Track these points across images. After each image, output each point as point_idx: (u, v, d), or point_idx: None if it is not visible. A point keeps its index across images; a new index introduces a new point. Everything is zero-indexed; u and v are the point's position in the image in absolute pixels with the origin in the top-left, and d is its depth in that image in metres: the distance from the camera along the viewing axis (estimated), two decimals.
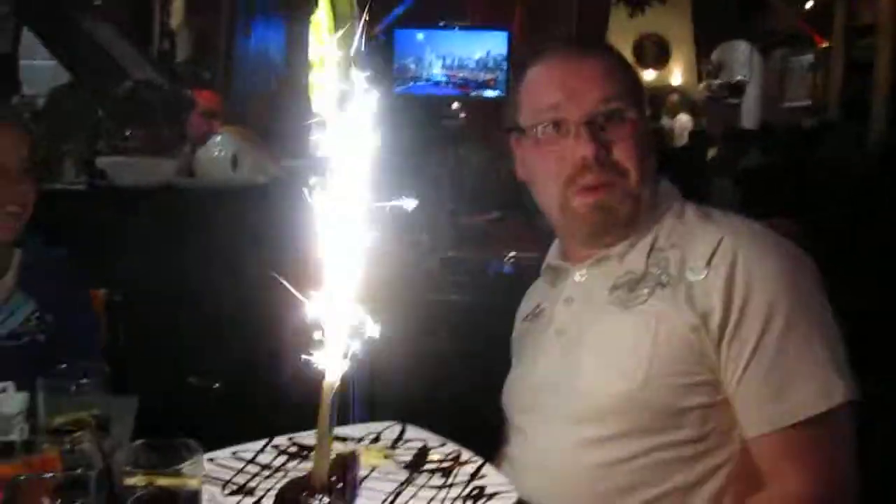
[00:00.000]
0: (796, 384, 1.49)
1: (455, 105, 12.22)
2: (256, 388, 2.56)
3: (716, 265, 1.54)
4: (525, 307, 1.89)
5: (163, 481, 1.25)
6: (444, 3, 12.06)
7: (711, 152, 9.42)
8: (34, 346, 2.05)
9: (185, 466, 1.26)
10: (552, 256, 1.82)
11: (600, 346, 1.60)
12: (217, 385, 2.43)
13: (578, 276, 1.72)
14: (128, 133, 3.10)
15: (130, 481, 1.24)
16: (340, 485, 1.28)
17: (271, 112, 3.46)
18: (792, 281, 1.54)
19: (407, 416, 1.67)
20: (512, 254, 3.66)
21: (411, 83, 12.45)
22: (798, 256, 1.60)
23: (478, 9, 12.16)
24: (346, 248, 1.17)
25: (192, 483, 1.27)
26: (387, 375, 2.46)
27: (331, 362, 1.17)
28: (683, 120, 12.08)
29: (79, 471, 1.28)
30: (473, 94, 12.01)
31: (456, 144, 6.37)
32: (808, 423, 1.48)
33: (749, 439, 1.52)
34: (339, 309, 1.17)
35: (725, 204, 6.43)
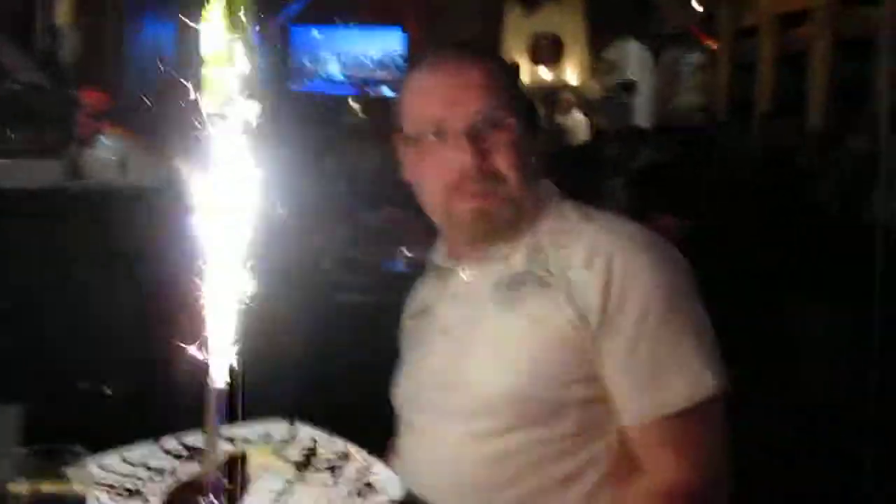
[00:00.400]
0: (669, 376, 1.57)
1: (354, 104, 12.20)
2: (151, 391, 2.54)
3: (594, 266, 1.61)
4: (412, 305, 1.94)
5: (48, 487, 1.25)
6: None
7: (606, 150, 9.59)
8: None
9: (71, 471, 1.26)
10: (437, 255, 1.86)
11: (486, 344, 1.66)
12: (108, 390, 2.41)
13: (462, 275, 1.77)
14: (11, 135, 3.03)
15: (15, 490, 1.24)
16: (230, 485, 1.30)
17: (162, 112, 3.41)
18: (665, 278, 1.62)
19: (299, 415, 1.68)
20: (408, 252, 3.70)
21: (308, 82, 12.38)
22: (670, 253, 1.68)
23: (372, 6, 12.16)
24: (231, 249, 1.18)
25: (79, 488, 1.26)
26: (278, 375, 2.47)
27: (214, 361, 1.18)
28: (577, 118, 12.27)
29: None
30: (371, 92, 12.01)
31: (355, 143, 6.38)
32: (680, 414, 1.56)
33: (626, 429, 1.59)
34: (222, 308, 1.18)
35: (618, 202, 6.59)
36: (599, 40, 13.60)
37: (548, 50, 13.76)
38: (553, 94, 12.41)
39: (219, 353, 1.18)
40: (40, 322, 2.44)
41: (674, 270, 1.65)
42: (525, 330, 1.62)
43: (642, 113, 12.76)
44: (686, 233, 3.89)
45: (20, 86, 3.03)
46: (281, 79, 11.74)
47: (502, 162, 1.67)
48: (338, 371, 3.01)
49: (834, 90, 8.48)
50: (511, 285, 1.67)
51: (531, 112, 1.80)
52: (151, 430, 1.64)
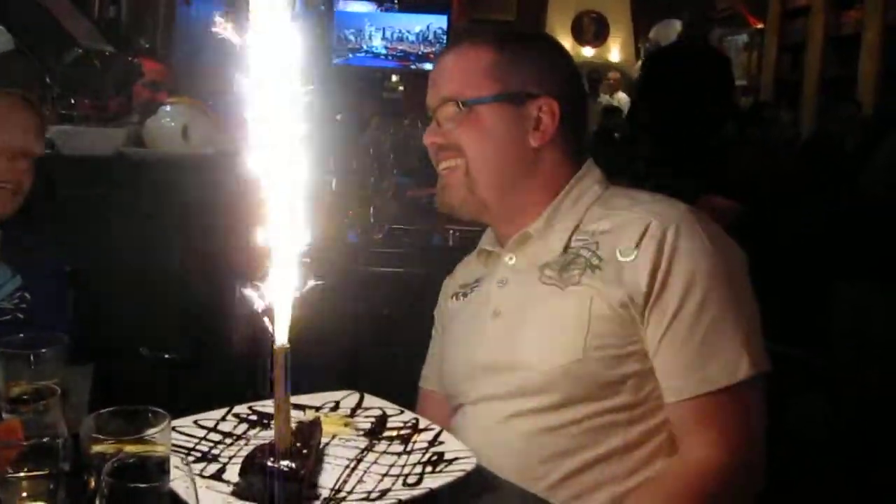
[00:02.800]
0: (709, 356, 1.60)
1: (395, 77, 12.20)
2: (211, 357, 2.58)
3: (644, 247, 1.64)
4: (452, 284, 1.99)
5: (131, 448, 1.27)
6: None
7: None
8: (15, 323, 2.04)
9: (153, 433, 1.28)
10: (485, 240, 1.93)
11: (538, 324, 1.69)
12: (168, 356, 2.44)
13: (508, 259, 1.82)
14: (73, 101, 3.06)
15: (98, 449, 1.26)
16: (304, 451, 1.33)
17: (216, 84, 3.43)
18: (712, 261, 1.64)
19: (348, 385, 1.72)
20: (453, 227, 3.72)
21: (350, 55, 12.37)
22: (719, 234, 1.70)
23: None
24: (287, 221, 1.21)
25: (161, 450, 1.29)
26: (329, 343, 2.49)
27: (279, 323, 1.21)
28: (621, 98, 12.19)
29: (45, 439, 1.30)
30: (413, 66, 11.98)
31: (400, 117, 6.38)
32: (716, 394, 1.59)
33: (666, 406, 1.62)
34: (283, 272, 1.20)
35: (662, 183, 6.55)
36: (644, 19, 13.46)
37: (591, 28, 13.66)
38: (597, 74, 12.33)
39: (281, 315, 1.21)
40: (106, 286, 2.48)
41: (721, 251, 1.67)
42: (576, 310, 1.64)
43: None
44: (735, 214, 3.87)
45: (87, 53, 3.07)
46: (324, 51, 11.75)
47: (462, 141, 1.77)
48: (391, 342, 3.03)
49: (884, 74, 8.35)
50: (559, 267, 1.71)
51: (531, 91, 1.79)
52: (214, 396, 1.67)
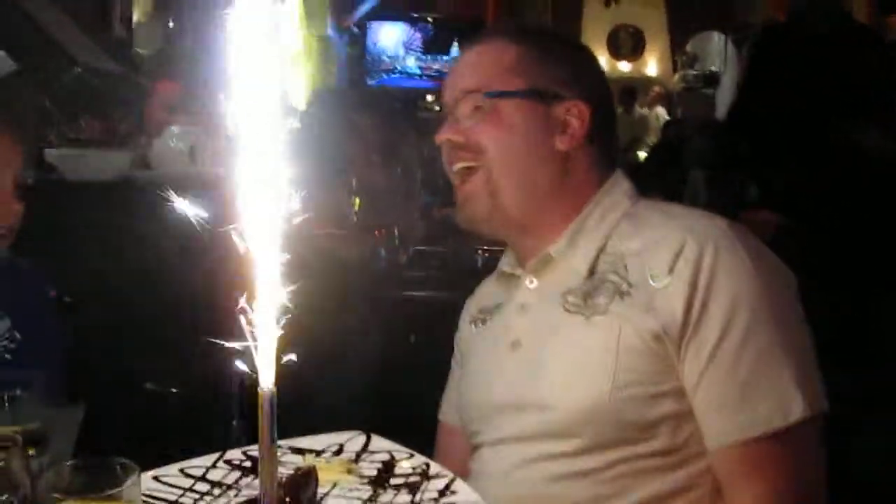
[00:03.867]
0: (753, 396, 1.40)
1: (430, 98, 12.10)
2: (216, 395, 2.43)
3: (679, 270, 1.45)
4: (472, 308, 1.81)
5: None
6: None
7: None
8: (3, 365, 1.92)
9: (122, 490, 1.14)
10: (505, 261, 1.74)
11: (561, 358, 1.51)
12: (175, 390, 2.31)
13: (529, 282, 1.63)
14: (83, 123, 2.96)
15: None
16: None
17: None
18: (757, 284, 1.45)
19: (368, 424, 1.57)
20: (483, 247, 3.55)
21: (385, 75, 12.34)
22: (766, 255, 1.51)
23: (453, 1, 12.08)
24: (292, 248, 1.05)
25: None
26: (345, 378, 2.35)
27: (263, 366, 1.05)
28: (658, 111, 12.03)
29: (3, 497, 1.16)
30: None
31: (430, 137, 6.25)
32: (765, 439, 1.40)
33: (708, 453, 1.43)
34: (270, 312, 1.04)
35: (701, 198, 6.34)
36: (681, 32, 13.28)
37: (628, 42, 13.50)
38: (632, 87, 12.17)
39: (265, 358, 1.05)
40: (107, 313, 2.36)
41: (768, 275, 1.48)
42: (603, 343, 1.46)
43: (725, 106, 12.42)
44: (784, 231, 3.63)
45: (87, 73, 2.96)
46: (358, 72, 11.73)
47: (482, 138, 1.59)
48: (413, 373, 2.87)
49: None
50: (584, 293, 1.53)
51: (560, 90, 1.63)
52: (218, 437, 1.54)
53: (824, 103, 3.68)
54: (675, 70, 13.45)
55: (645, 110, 12.14)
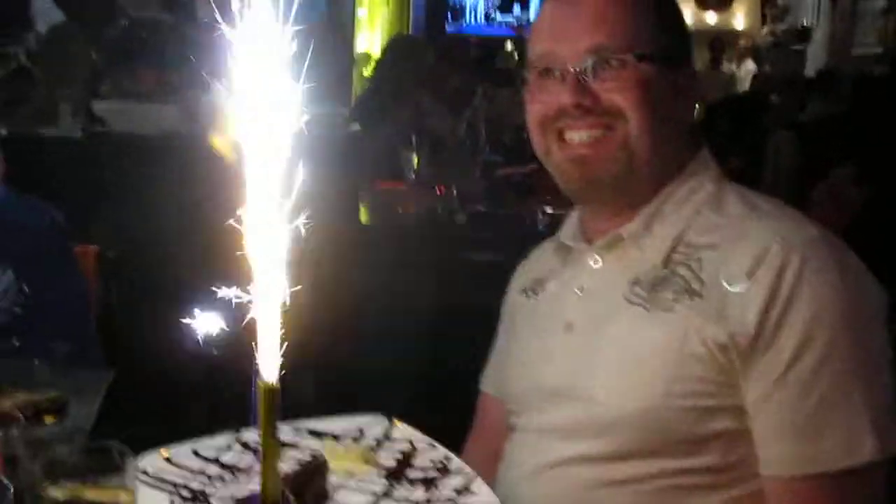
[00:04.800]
0: (820, 429, 1.28)
1: (509, 46, 11.89)
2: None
3: (759, 278, 1.31)
4: (525, 276, 1.67)
5: (90, 494, 1.08)
6: None
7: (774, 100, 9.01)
8: (12, 320, 1.88)
9: (115, 477, 1.09)
10: (566, 232, 1.59)
11: (616, 353, 1.40)
12: (216, 351, 2.26)
13: (593, 262, 1.50)
14: (137, 74, 2.91)
15: (52, 494, 1.08)
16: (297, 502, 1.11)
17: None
18: (842, 303, 1.31)
19: (415, 387, 1.50)
20: (548, 210, 3.43)
21: (463, 23, 12.20)
22: (857, 271, 1.36)
23: None
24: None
25: (124, 498, 1.09)
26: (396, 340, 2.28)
27: (265, 359, 0.96)
28: (747, 66, 11.64)
29: None
30: (527, 34, 11.69)
31: (506, 90, 6.12)
32: (829, 477, 1.27)
33: (762, 477, 1.32)
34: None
35: (785, 157, 6.10)
36: None
37: None
38: (719, 41, 11.78)
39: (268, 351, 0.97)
40: (151, 274, 2.32)
41: (856, 293, 1.33)
42: (664, 344, 1.35)
43: (816, 61, 11.97)
44: (863, 199, 3.44)
45: (134, 24, 2.90)
46: (436, 19, 11.59)
47: (619, 100, 1.40)
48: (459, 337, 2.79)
49: None
50: (651, 285, 1.40)
51: (680, 52, 1.49)
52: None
53: None
54: (763, 23, 13.00)
55: (733, 65, 11.75)
